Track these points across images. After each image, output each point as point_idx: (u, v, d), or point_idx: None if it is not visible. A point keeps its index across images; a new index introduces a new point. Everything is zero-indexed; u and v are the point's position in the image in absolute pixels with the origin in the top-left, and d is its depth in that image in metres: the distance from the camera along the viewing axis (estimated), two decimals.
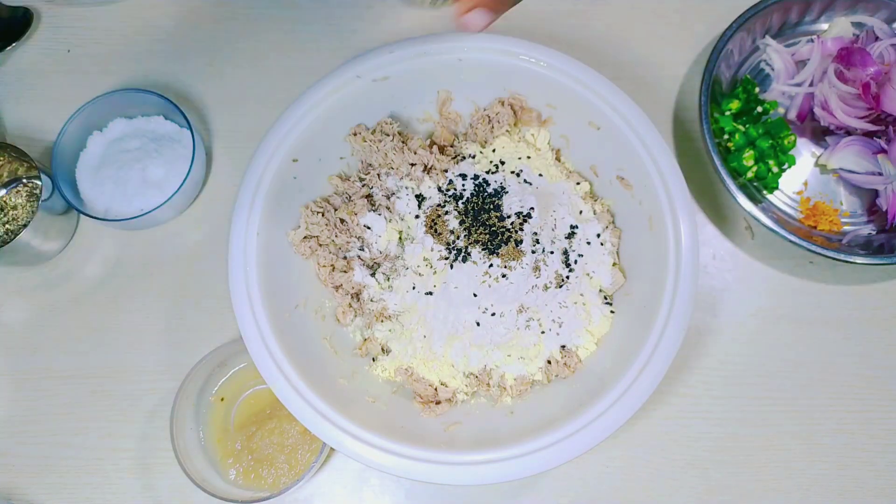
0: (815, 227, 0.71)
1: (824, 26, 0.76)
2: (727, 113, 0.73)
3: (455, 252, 0.60)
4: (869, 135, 0.71)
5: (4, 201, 0.67)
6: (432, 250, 0.61)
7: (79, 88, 0.76)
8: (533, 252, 0.60)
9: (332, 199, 0.66)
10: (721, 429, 0.68)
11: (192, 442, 0.63)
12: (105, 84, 0.76)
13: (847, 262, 0.66)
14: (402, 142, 0.66)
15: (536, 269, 0.61)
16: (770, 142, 0.71)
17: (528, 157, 0.67)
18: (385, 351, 0.63)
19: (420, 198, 0.64)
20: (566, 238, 0.63)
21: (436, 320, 0.61)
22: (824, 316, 0.70)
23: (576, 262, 0.63)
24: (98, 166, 0.71)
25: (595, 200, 0.67)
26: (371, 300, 0.64)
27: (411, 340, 0.62)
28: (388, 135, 0.66)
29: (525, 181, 0.65)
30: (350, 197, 0.66)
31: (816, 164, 0.74)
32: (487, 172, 0.65)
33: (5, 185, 0.67)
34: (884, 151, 0.69)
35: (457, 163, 0.66)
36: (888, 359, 0.69)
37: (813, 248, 0.66)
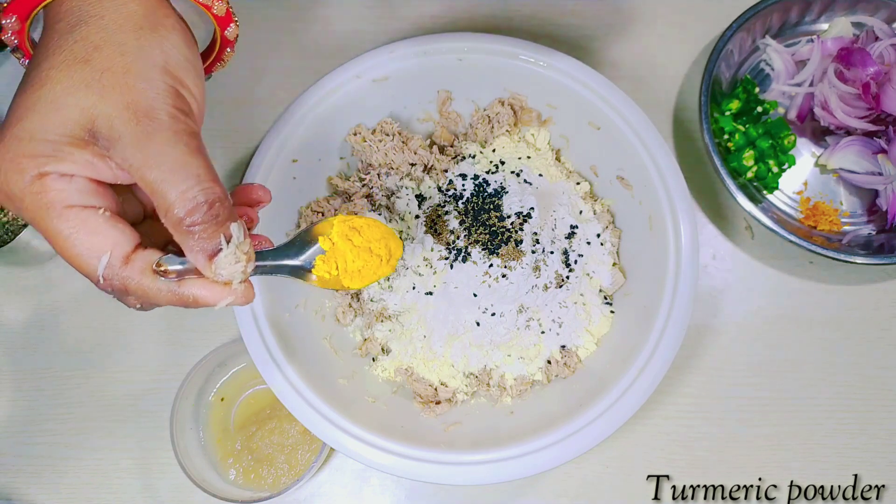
0: (815, 227, 0.71)
1: (824, 26, 0.76)
2: (727, 113, 0.73)
3: (455, 252, 0.60)
4: (869, 135, 0.71)
5: None
6: (432, 250, 0.61)
7: None
8: (533, 252, 0.60)
9: (332, 199, 0.66)
10: (721, 429, 0.68)
11: (192, 442, 0.63)
12: None
13: (847, 262, 0.66)
14: (402, 142, 0.66)
15: (536, 269, 0.61)
16: (770, 142, 0.71)
17: (528, 157, 0.67)
18: (385, 351, 0.63)
19: (420, 198, 0.64)
20: (566, 238, 0.63)
21: (436, 320, 0.61)
22: (824, 316, 0.70)
23: (576, 262, 0.63)
24: None
25: (595, 200, 0.67)
26: (371, 300, 0.64)
27: (411, 340, 0.62)
28: (388, 135, 0.66)
29: (525, 181, 0.65)
30: (350, 197, 0.66)
31: (816, 164, 0.74)
32: (487, 172, 0.65)
33: None
34: (884, 151, 0.69)
35: (457, 163, 0.66)
36: (888, 359, 0.69)
37: (813, 248, 0.66)
